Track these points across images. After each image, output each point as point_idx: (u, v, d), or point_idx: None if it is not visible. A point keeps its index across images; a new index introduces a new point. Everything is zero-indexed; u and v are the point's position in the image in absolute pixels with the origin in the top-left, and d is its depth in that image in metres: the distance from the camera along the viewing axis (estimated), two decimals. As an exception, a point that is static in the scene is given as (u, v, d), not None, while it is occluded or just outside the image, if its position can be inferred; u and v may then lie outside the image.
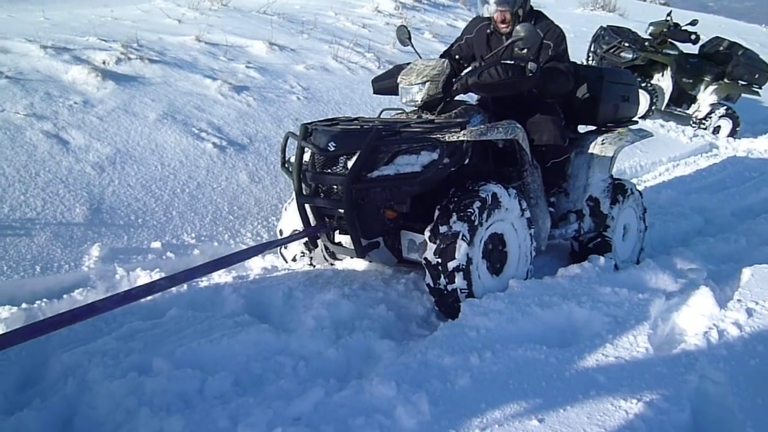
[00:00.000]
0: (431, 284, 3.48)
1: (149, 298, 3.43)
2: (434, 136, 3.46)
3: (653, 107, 9.73)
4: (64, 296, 3.53)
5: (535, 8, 4.36)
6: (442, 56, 4.44)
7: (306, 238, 4.04)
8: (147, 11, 8.04)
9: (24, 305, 3.36)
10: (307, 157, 3.69)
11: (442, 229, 3.41)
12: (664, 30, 10.01)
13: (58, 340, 3.02)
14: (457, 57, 4.49)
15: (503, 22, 4.19)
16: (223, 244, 4.32)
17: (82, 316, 2.69)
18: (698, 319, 3.37)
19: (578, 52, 10.92)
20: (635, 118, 4.99)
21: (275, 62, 7.05)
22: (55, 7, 8.27)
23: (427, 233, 3.48)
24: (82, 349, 2.94)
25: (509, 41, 3.94)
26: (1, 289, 3.45)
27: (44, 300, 3.45)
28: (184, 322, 3.21)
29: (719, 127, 10.24)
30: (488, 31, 4.36)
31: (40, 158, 4.32)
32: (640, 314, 3.30)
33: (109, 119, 4.95)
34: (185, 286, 3.61)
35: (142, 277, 3.74)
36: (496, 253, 3.74)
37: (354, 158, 3.40)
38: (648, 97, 9.65)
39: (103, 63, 5.70)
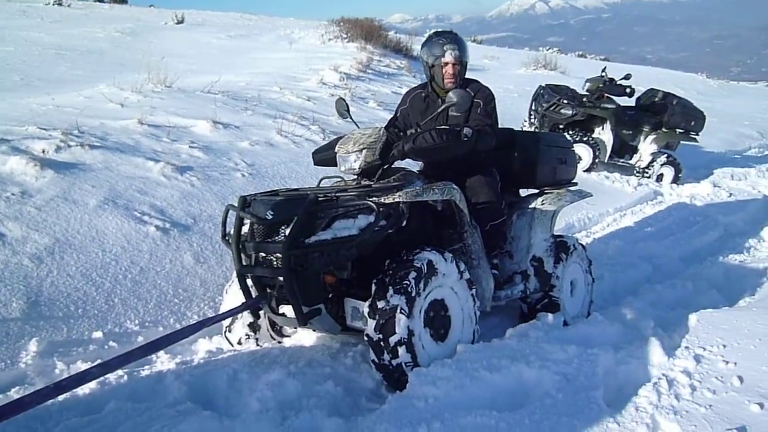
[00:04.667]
0: (375, 360, 3.44)
1: (87, 391, 3.35)
2: (370, 200, 3.48)
3: (596, 160, 9.98)
4: (0, 396, 3.39)
5: (467, 77, 4.50)
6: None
7: (251, 318, 4.00)
8: (90, 97, 8.02)
9: (-44, 408, 3.20)
10: (246, 228, 3.68)
11: (380, 304, 3.39)
12: (600, 85, 10.36)
13: (-12, 445, 2.88)
14: (396, 130, 4.57)
15: (454, 75, 4.31)
16: (169, 328, 4.21)
17: (8, 413, 2.57)
18: (648, 370, 3.39)
19: (522, 110, 11.23)
20: (573, 180, 5.09)
21: (219, 140, 7.07)
22: (-4, 99, 8.23)
23: (365, 309, 3.45)
24: (13, 453, 2.81)
25: (443, 106, 4.05)
26: (-69, 393, 3.30)
27: (-22, 401, 3.31)
28: (122, 416, 3.08)
29: (662, 174, 10.54)
30: (423, 95, 4.49)
31: (-26, 254, 4.21)
32: (589, 370, 3.30)
33: (48, 209, 4.87)
34: (125, 377, 3.50)
35: (83, 369, 3.62)
36: (438, 319, 3.71)
37: (291, 225, 3.40)
38: (591, 150, 9.91)
39: (43, 152, 5.63)
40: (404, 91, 5.22)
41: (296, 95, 9.86)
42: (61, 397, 3.09)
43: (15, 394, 3.39)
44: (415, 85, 4.81)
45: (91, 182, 5.39)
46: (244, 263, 3.63)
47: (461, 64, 4.33)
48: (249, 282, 3.70)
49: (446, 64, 4.30)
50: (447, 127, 4.09)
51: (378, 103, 10.43)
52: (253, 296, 3.69)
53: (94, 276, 4.41)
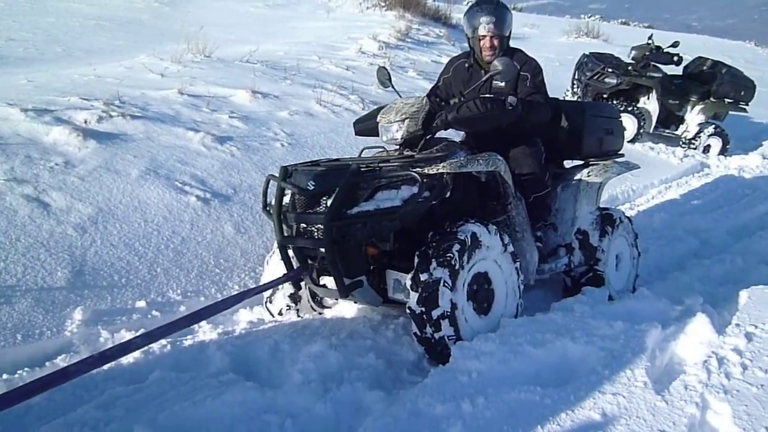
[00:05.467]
0: (418, 333, 3.40)
1: (131, 360, 3.38)
2: (413, 171, 3.42)
3: (641, 131, 9.75)
4: (47, 364, 3.43)
5: (512, 46, 4.37)
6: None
7: (292, 289, 4.00)
8: (130, 68, 8.05)
9: (5, 376, 3.26)
10: (288, 198, 3.66)
11: (423, 276, 3.33)
12: (647, 53, 10.06)
13: (37, 412, 2.92)
14: (438, 99, 4.47)
15: (492, 47, 4.19)
16: (210, 298, 4.23)
17: (55, 382, 2.60)
18: (697, 347, 3.27)
19: (564, 80, 11.00)
20: (620, 151, 4.95)
21: (259, 110, 7.05)
22: (39, 69, 8.30)
23: (408, 281, 3.40)
24: (61, 421, 2.83)
25: (487, 75, 3.95)
26: (-20, 360, 3.35)
27: (26, 369, 3.35)
28: (167, 385, 3.11)
29: (709, 146, 10.26)
30: (466, 65, 4.38)
31: (20, 223, 4.26)
32: (636, 346, 3.21)
33: (91, 179, 4.91)
34: (168, 347, 3.52)
35: (127, 339, 3.65)
36: (482, 292, 3.66)
37: (333, 195, 3.36)
38: (635, 120, 9.68)
39: (85, 122, 5.68)
40: (444, 60, 5.12)
41: (335, 64, 9.79)
42: (105, 366, 3.12)
43: (61, 362, 3.44)
44: (459, 53, 4.69)
45: (132, 152, 5.42)
46: (285, 234, 3.61)
47: (499, 36, 4.19)
48: (290, 253, 3.68)
49: (483, 37, 4.18)
50: (491, 95, 4.00)
51: (417, 72, 10.29)
52: (295, 267, 3.67)
53: (137, 246, 4.44)
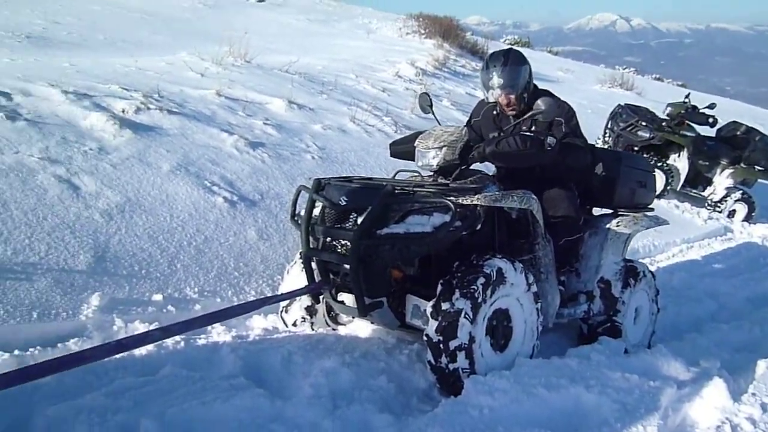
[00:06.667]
0: (432, 362, 3.36)
1: (144, 353, 3.37)
2: (448, 199, 3.41)
3: (668, 187, 9.69)
4: (59, 345, 3.43)
5: (540, 87, 4.34)
6: None
7: (309, 302, 3.99)
8: (171, 63, 8.15)
9: (16, 352, 3.26)
10: (317, 211, 3.66)
11: (445, 305, 3.30)
12: (682, 111, 10.02)
13: (46, 392, 2.91)
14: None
15: (509, 105, 4.19)
16: (226, 300, 4.24)
17: (71, 364, 2.61)
18: (711, 411, 3.23)
19: (595, 128, 10.96)
20: (650, 206, 4.92)
21: (293, 120, 7.09)
22: (81, 55, 8.43)
23: (429, 308, 3.38)
24: (69, 404, 2.82)
25: (529, 114, 3.95)
26: (-5, 334, 3.36)
27: (38, 348, 3.35)
28: (177, 382, 3.09)
29: (734, 210, 10.15)
30: (494, 112, 4.36)
31: (49, 202, 4.30)
32: (650, 403, 3.17)
33: (123, 167, 4.95)
34: (182, 343, 3.52)
35: (140, 330, 3.64)
36: (500, 328, 3.61)
37: (365, 214, 3.36)
38: (664, 177, 9.62)
39: (123, 111, 5.75)
40: (479, 94, 5.10)
41: (371, 85, 9.85)
42: (118, 355, 3.11)
43: (74, 345, 3.44)
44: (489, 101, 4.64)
45: (166, 146, 5.47)
46: (311, 246, 3.61)
47: (515, 93, 4.15)
48: (313, 266, 3.67)
49: (498, 97, 4.18)
50: (531, 134, 4.00)
51: (452, 102, 10.34)
52: (316, 280, 3.66)
53: (160, 239, 4.46)
